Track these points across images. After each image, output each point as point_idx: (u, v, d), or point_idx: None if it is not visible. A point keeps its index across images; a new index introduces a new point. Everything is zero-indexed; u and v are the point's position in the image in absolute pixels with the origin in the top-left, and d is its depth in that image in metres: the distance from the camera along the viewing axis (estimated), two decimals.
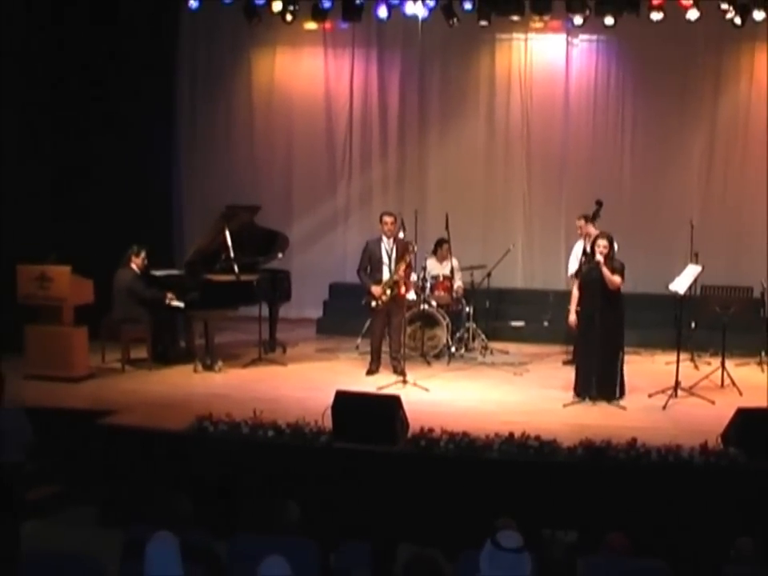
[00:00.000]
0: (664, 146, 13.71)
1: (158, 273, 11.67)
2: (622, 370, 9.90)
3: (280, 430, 8.40)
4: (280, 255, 12.23)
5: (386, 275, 10.96)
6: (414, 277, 11.66)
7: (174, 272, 11.97)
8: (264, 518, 6.23)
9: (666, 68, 13.47)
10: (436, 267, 12.42)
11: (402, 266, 10.91)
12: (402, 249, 10.98)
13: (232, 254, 11.43)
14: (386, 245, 11.04)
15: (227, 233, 11.47)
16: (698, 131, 13.68)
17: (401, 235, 10.99)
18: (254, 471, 8.23)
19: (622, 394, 9.83)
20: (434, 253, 12.47)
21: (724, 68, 13.51)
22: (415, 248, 11.07)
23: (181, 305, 11.20)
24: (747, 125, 13.45)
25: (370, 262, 11.08)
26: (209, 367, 11.18)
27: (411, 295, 11.67)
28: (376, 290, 10.89)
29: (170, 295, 11.18)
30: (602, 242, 9.75)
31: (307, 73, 14.62)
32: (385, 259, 11.00)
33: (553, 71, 14.04)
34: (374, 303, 10.94)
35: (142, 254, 11.33)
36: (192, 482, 7.83)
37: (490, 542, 4.56)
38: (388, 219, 11.08)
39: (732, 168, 13.54)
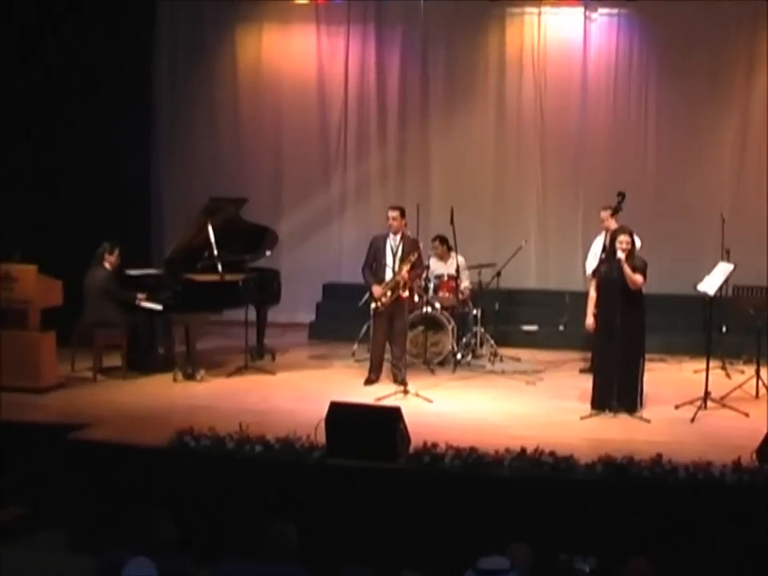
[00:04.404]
0: (692, 133, 13.71)
1: (133, 272, 11.67)
2: (642, 379, 9.88)
3: (269, 445, 8.39)
4: (268, 253, 12.23)
5: (388, 275, 10.97)
6: (424, 278, 11.71)
7: (152, 271, 11.97)
8: (258, 542, 6.21)
9: (694, 46, 13.49)
10: (440, 266, 12.43)
11: (406, 267, 10.90)
12: (409, 247, 10.99)
13: (215, 252, 11.43)
14: (392, 242, 11.05)
15: (210, 228, 11.47)
16: (729, 116, 13.69)
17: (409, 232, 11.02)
18: (241, 490, 8.22)
19: (641, 405, 9.83)
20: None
21: (758, 47, 13.50)
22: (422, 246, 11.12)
23: (159, 307, 11.20)
24: None
25: (375, 259, 11.09)
26: (190, 376, 11.18)
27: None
28: (377, 290, 10.90)
29: (140, 296, 11.19)
30: (624, 238, 9.74)
31: (298, 52, 14.63)
32: (388, 257, 11.01)
33: (569, 49, 14.05)
34: (373, 305, 10.95)
35: (116, 252, 11.33)
36: (172, 503, 7.82)
37: (472, 572, 4.56)
38: (391, 213, 11.09)
39: (767, 156, 13.52)
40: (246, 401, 10.28)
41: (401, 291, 10.88)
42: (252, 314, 11.91)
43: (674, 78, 13.70)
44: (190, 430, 8.60)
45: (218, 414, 9.39)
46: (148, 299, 11.24)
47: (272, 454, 8.34)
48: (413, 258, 10.94)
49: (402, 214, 11.10)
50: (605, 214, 11.56)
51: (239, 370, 11.48)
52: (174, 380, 11.14)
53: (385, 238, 11.11)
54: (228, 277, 11.40)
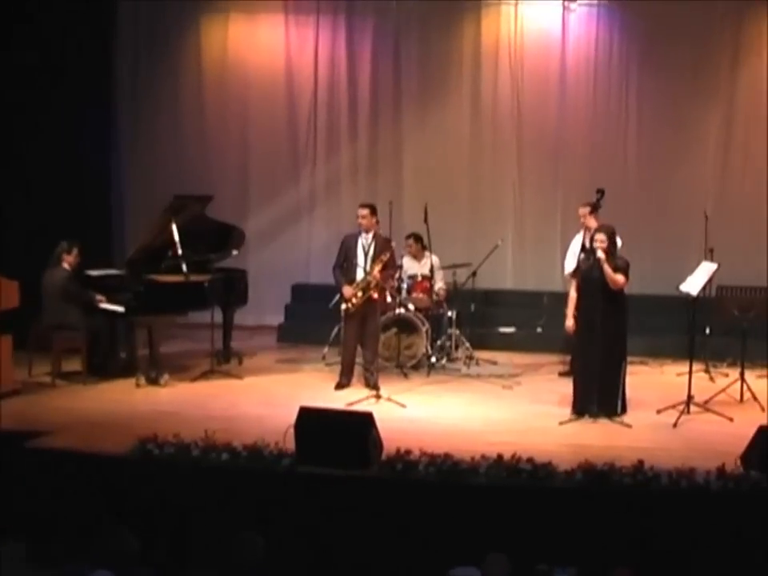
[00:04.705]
0: (674, 128, 13.76)
1: (94, 273, 11.63)
2: (623, 382, 9.93)
3: (236, 453, 8.37)
4: (235, 252, 12.23)
5: (359, 275, 10.97)
6: (396, 278, 11.72)
7: (113, 272, 11.94)
8: (223, 553, 6.21)
9: (676, 39, 13.53)
10: (414, 266, 12.46)
11: (378, 266, 10.90)
12: (381, 246, 10.99)
13: (180, 252, 11.41)
14: (364, 240, 11.05)
15: (174, 227, 11.45)
16: (713, 110, 13.74)
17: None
18: (207, 500, 8.20)
19: (623, 410, 9.87)
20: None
21: (743, 39, 13.57)
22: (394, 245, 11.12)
23: (120, 309, 11.17)
24: None
25: (346, 259, 11.09)
26: (153, 381, 11.15)
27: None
28: (347, 290, 10.90)
29: (101, 297, 11.16)
30: (600, 236, 9.80)
31: (265, 44, 14.63)
32: (360, 257, 11.00)
33: (547, 42, 14.09)
34: (344, 306, 10.96)
35: (75, 251, 11.29)
36: (135, 513, 7.81)
37: None
38: (360, 211, 11.09)
39: (752, 152, 13.58)
40: (211, 406, 10.25)
41: (372, 292, 10.88)
42: (218, 316, 11.89)
43: (656, 72, 13.75)
44: (154, 438, 8.57)
45: (183, 421, 9.39)
46: (109, 301, 11.21)
47: (239, 462, 8.33)
48: (384, 257, 10.93)
49: (373, 211, 11.09)
50: (583, 211, 11.58)
51: (205, 375, 11.47)
52: (137, 385, 11.10)
53: (356, 236, 11.10)
54: (193, 277, 11.40)
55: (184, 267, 11.35)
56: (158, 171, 14.39)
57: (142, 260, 11.68)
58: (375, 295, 10.91)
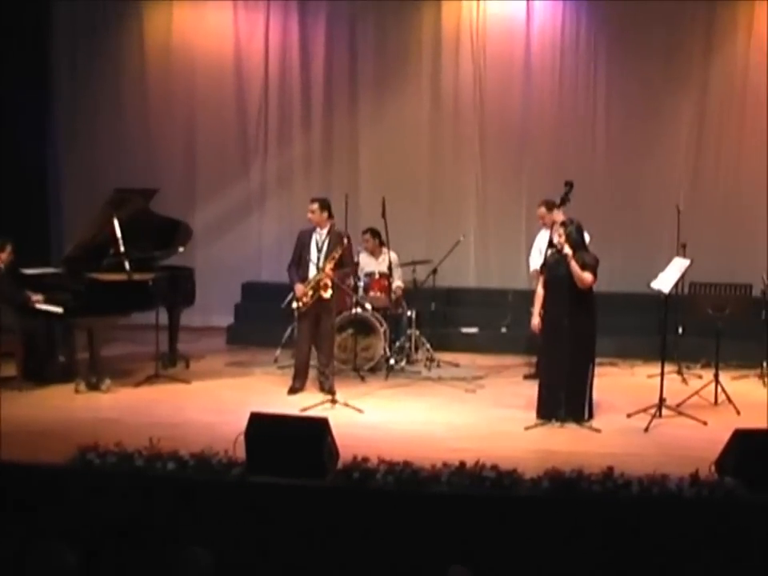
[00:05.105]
0: (644, 117, 13.85)
1: (29, 271, 11.55)
2: (591, 386, 9.95)
3: (182, 462, 8.31)
4: (181, 249, 12.16)
5: (312, 272, 10.94)
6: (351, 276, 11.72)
7: (51, 270, 11.86)
8: (169, 569, 6.16)
9: (646, 23, 13.64)
10: (371, 263, 12.46)
11: (330, 264, 10.87)
12: (335, 242, 10.97)
13: (122, 248, 11.37)
14: (318, 236, 11.03)
15: (116, 222, 11.40)
16: (685, 98, 13.84)
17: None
18: (151, 513, 8.14)
19: (591, 415, 9.90)
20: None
21: (717, 24, 13.69)
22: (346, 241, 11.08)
23: (59, 310, 11.10)
24: (745, 90, 13.64)
25: (300, 255, 11.07)
26: (94, 386, 11.09)
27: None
28: (299, 289, 10.89)
29: (37, 297, 11.08)
30: (559, 230, 9.84)
31: (212, 28, 14.62)
32: (313, 253, 10.98)
33: (511, 27, 14.16)
34: (294, 305, 10.95)
35: (8, 248, 11.21)
36: (74, 527, 7.74)
37: None
38: (309, 206, 11.06)
39: (726, 142, 13.72)
40: (156, 413, 10.21)
41: (322, 291, 10.83)
42: (163, 317, 11.87)
43: (626, 58, 13.82)
44: (95, 447, 8.49)
45: (126, 428, 9.32)
46: (46, 301, 11.13)
47: (186, 472, 8.27)
48: (336, 254, 10.91)
49: (323, 206, 11.03)
50: (541, 210, 11.62)
51: (149, 379, 11.41)
52: (77, 391, 11.04)
53: (311, 232, 11.08)
54: (136, 276, 11.34)
55: (127, 265, 11.30)
56: (98, 163, 14.35)
57: (82, 258, 11.61)
58: (326, 294, 10.85)
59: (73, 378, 11.21)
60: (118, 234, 11.37)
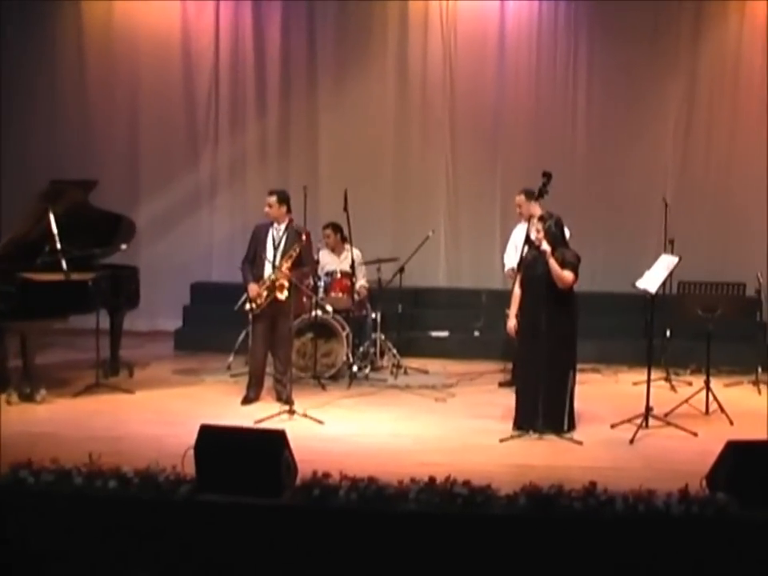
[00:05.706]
0: (629, 103, 13.93)
1: None
2: (572, 394, 9.97)
3: (126, 480, 8.28)
4: (124, 246, 12.13)
5: (267, 271, 10.92)
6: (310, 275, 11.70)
7: None
8: None
9: (631, 3, 13.70)
10: (332, 261, 12.46)
11: (287, 263, 10.85)
12: (293, 239, 10.94)
13: (59, 245, 11.31)
14: (275, 232, 11.01)
15: (51, 217, 11.34)
16: (672, 85, 13.92)
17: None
18: (91, 535, 8.11)
19: (571, 426, 9.92)
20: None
21: (705, 5, 13.75)
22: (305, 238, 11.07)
23: None
24: (737, 75, 13.74)
25: (255, 252, 11.05)
26: (28, 397, 11.04)
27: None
28: (252, 289, 10.87)
29: None
30: (537, 225, 9.86)
31: (157, 4, 14.54)
32: (269, 251, 10.96)
33: (483, 4, 14.15)
34: (248, 307, 10.93)
35: None
36: (6, 551, 7.69)
37: None
38: (267, 199, 11.06)
39: (717, 130, 13.80)
40: (97, 426, 10.17)
41: (278, 292, 10.80)
42: (105, 321, 11.82)
43: (608, 40, 13.90)
44: (28, 463, 8.44)
45: (63, 443, 9.31)
46: None
47: (130, 490, 8.24)
48: (294, 252, 10.88)
49: (282, 199, 11.03)
50: (520, 198, 11.64)
51: (89, 389, 11.37)
52: (8, 402, 10.98)
53: (268, 227, 11.06)
54: (74, 276, 11.28)
55: (64, 264, 11.25)
56: (33, 154, 14.31)
57: (14, 256, 11.53)
58: (282, 296, 10.81)
59: (4, 389, 11.15)
60: (54, 229, 11.31)
